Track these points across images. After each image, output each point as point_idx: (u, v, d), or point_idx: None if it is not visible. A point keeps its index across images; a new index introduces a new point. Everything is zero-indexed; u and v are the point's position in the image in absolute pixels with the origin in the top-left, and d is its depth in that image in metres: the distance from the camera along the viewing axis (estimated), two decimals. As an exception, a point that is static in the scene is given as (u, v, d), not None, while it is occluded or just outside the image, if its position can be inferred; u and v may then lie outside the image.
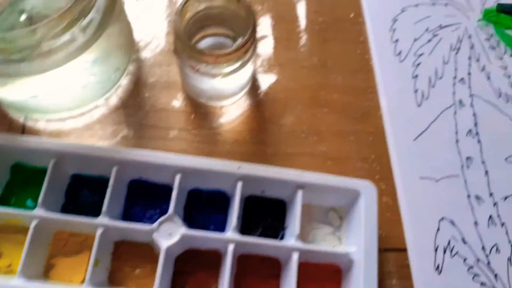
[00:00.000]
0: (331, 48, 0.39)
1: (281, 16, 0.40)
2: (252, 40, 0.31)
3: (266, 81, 0.38)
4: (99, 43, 0.31)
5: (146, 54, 0.38)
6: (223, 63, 0.30)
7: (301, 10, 0.40)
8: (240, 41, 0.31)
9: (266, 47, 0.39)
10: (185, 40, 0.30)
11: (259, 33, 0.38)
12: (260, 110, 0.37)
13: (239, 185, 0.31)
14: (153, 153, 0.31)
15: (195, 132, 0.35)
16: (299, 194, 0.31)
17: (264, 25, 0.40)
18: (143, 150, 0.32)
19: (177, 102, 0.36)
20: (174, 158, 0.31)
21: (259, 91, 0.37)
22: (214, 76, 0.32)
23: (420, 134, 0.37)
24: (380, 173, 0.35)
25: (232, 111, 0.36)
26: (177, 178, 0.31)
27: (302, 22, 0.40)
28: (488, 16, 0.41)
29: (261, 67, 0.38)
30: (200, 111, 0.36)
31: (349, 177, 0.32)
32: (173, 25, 0.32)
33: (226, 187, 0.32)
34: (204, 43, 0.36)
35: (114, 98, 0.36)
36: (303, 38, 0.39)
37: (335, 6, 0.40)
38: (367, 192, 0.32)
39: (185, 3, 0.30)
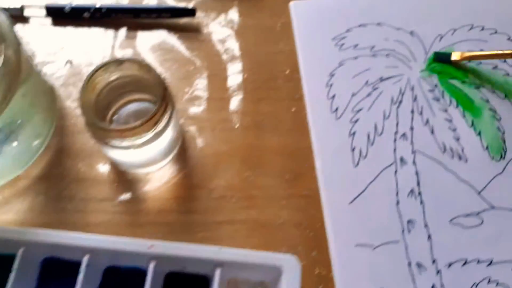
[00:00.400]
0: (265, 107, 0.37)
1: (214, 75, 0.39)
2: (162, 111, 0.29)
3: (196, 144, 0.36)
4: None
5: (70, 120, 0.37)
6: (131, 137, 0.29)
7: (235, 68, 0.39)
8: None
9: (196, 108, 0.37)
10: (90, 115, 0.29)
11: (192, 93, 0.38)
12: (188, 176, 0.35)
13: (152, 265, 0.29)
14: (59, 233, 0.30)
15: (117, 203, 0.34)
16: (217, 272, 0.29)
17: (196, 85, 0.38)
18: (49, 231, 0.30)
19: (101, 170, 0.35)
20: (81, 238, 0.29)
21: (187, 155, 0.36)
22: (126, 148, 0.30)
23: (357, 197, 0.34)
24: (314, 240, 0.33)
25: (158, 178, 0.35)
26: (85, 259, 0.29)
27: (235, 80, 0.39)
28: (431, 66, 0.39)
29: (190, 128, 0.37)
30: (123, 178, 0.35)
31: (271, 252, 0.30)
32: (78, 100, 0.31)
33: (143, 265, 0.31)
34: (128, 109, 0.34)
35: (35, 168, 0.35)
36: (236, 98, 0.38)
37: (270, 63, 0.39)
38: (290, 268, 0.29)
39: (90, 77, 0.29)
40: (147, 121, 0.28)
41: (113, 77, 0.31)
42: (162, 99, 0.29)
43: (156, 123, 0.29)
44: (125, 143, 0.30)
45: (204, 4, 0.41)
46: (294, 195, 0.35)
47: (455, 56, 0.38)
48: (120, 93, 0.33)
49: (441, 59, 0.39)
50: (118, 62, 0.30)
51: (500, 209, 0.34)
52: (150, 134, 0.30)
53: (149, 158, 0.33)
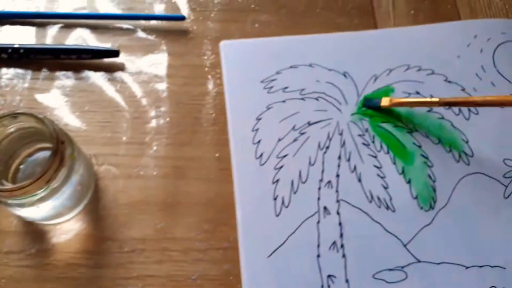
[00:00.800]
0: (187, 152, 0.36)
1: (135, 118, 0.37)
2: (55, 168, 0.28)
3: (110, 192, 0.35)
4: None
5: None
6: (21, 196, 0.27)
7: (158, 111, 0.37)
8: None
9: (114, 152, 0.36)
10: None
11: (111, 137, 0.36)
12: (99, 227, 0.33)
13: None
14: None
15: (22, 256, 0.32)
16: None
17: (116, 128, 0.37)
18: None
19: (8, 222, 0.33)
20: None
21: (100, 204, 0.34)
22: (21, 206, 0.29)
23: (276, 250, 0.33)
24: (229, 298, 0.32)
25: (67, 229, 0.33)
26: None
27: (158, 124, 0.37)
28: (363, 109, 0.38)
29: (105, 175, 0.35)
30: (30, 230, 0.33)
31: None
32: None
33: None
34: (36, 157, 0.33)
35: None
36: (158, 142, 0.36)
37: (196, 105, 0.38)
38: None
39: (-20, 131, 0.28)
40: (37, 180, 0.27)
41: (11, 129, 0.30)
42: (55, 154, 0.28)
43: (49, 180, 0.28)
44: (18, 201, 0.28)
45: (130, 43, 0.40)
46: (212, 247, 0.33)
47: (384, 102, 0.36)
48: (25, 143, 0.32)
49: (370, 105, 0.37)
50: (12, 116, 0.28)
51: (426, 263, 0.33)
52: (44, 192, 0.28)
53: (52, 213, 0.31)
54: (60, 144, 0.28)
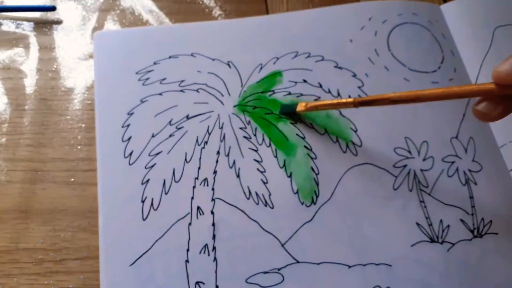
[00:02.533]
0: (47, 154, 0.33)
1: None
2: None
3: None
4: None
5: None
6: None
7: (16, 107, 0.34)
8: None
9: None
10: None
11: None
12: None
13: None
14: None
15: None
16: None
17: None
18: None
19: None
20: None
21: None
22: None
23: (140, 257, 0.29)
24: (83, 313, 0.28)
25: None
26: None
27: (16, 122, 0.34)
28: (245, 100, 0.35)
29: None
30: None
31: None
32: None
33: None
34: None
35: None
36: (14, 143, 0.33)
37: (60, 101, 0.34)
38: None
39: None
40: None
41: None
42: None
43: None
44: None
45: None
46: (69, 257, 0.30)
47: (300, 108, 0.33)
48: None
49: (286, 111, 0.34)
50: None
51: (305, 264, 0.30)
52: None
53: None
54: None
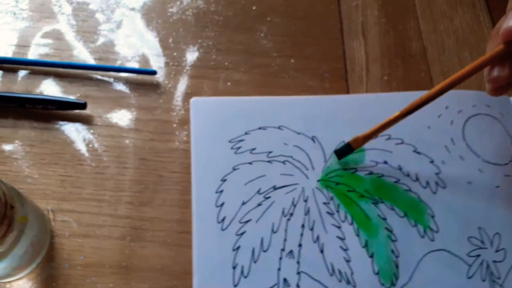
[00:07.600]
0: (146, 213, 0.35)
1: (97, 173, 0.36)
2: (2, 233, 0.27)
3: (66, 251, 0.33)
4: None
5: None
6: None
7: (121, 167, 0.36)
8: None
9: (71, 210, 0.35)
10: None
11: (69, 192, 0.35)
12: (50, 288, 0.32)
13: None
14: None
15: (-38, 319, 0.31)
16: None
17: (75, 184, 0.36)
18: None
19: (-50, 279, 0.32)
20: None
21: (55, 263, 0.33)
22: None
23: (230, 323, 0.32)
24: None
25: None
26: None
27: (119, 181, 0.36)
28: (330, 175, 0.37)
29: (62, 233, 0.34)
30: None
31: None
32: None
33: None
34: None
35: None
36: (118, 200, 0.35)
37: (158, 162, 0.37)
38: None
39: None
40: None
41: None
42: (1, 220, 0.26)
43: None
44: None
45: (99, 94, 0.39)
46: (163, 317, 0.32)
47: (356, 144, 0.36)
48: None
49: (342, 153, 0.37)
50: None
51: None
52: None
53: (1, 273, 0.30)
54: (8, 209, 0.27)
